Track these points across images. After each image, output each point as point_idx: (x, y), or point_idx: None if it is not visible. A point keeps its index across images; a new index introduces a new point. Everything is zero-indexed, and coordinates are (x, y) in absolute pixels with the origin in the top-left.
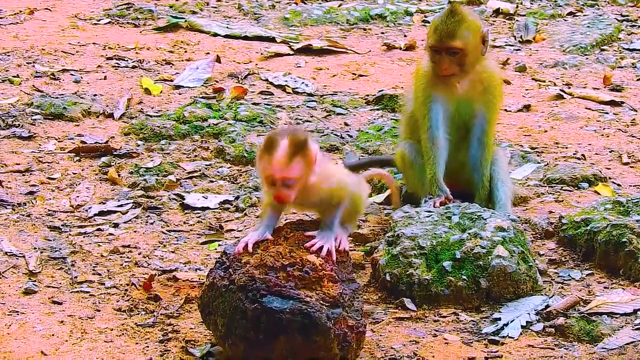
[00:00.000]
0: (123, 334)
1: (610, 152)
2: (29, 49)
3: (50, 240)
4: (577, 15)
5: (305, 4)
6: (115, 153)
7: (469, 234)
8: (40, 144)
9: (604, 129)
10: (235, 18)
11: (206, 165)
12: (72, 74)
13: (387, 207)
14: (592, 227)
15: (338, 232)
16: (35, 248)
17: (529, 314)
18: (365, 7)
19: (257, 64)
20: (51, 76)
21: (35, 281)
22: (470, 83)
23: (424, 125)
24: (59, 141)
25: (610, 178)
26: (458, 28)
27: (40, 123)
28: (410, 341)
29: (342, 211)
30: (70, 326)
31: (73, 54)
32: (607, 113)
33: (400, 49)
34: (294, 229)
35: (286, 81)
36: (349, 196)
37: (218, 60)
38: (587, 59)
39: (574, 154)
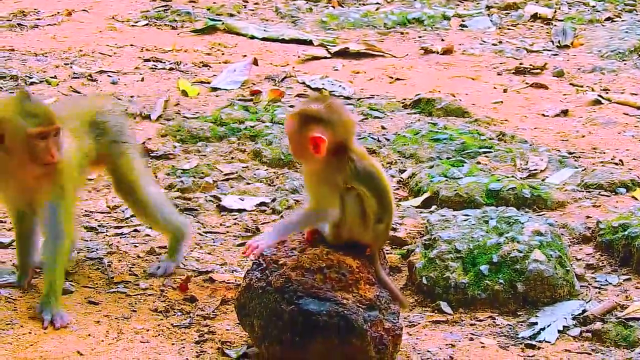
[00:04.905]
0: (159, 334)
1: None
2: (67, 50)
3: (87, 241)
4: (615, 21)
5: (342, 7)
6: (152, 154)
7: (506, 237)
8: None
9: None
10: (272, 21)
11: (243, 167)
12: (109, 76)
13: (423, 210)
14: (630, 232)
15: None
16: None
17: (565, 318)
18: (402, 11)
19: (294, 67)
20: (88, 77)
21: (71, 281)
22: None
23: None
24: None
25: None
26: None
27: None
28: (447, 345)
29: (296, 220)
30: (106, 326)
31: (110, 56)
32: None
33: (438, 53)
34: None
35: (323, 84)
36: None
37: (255, 62)
38: (625, 64)
39: (611, 159)
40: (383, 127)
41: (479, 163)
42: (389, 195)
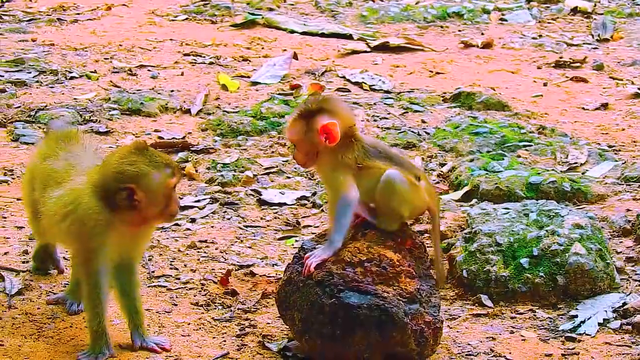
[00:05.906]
0: (200, 328)
1: None
2: (107, 44)
3: None
4: None
5: (382, 1)
6: (192, 149)
7: (546, 231)
8: (117, 139)
9: None
10: (312, 15)
11: (283, 161)
12: (149, 70)
13: (464, 203)
14: None
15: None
16: None
17: (606, 311)
18: (442, 5)
19: (334, 61)
20: (128, 72)
21: None
22: None
23: None
24: (136, 136)
25: None
26: None
27: (118, 118)
28: (487, 337)
29: (336, 223)
30: (147, 320)
31: (150, 50)
32: None
33: (477, 46)
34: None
35: (363, 78)
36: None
37: (295, 57)
38: None
39: None
40: (423, 121)
41: (519, 156)
42: (402, 157)
